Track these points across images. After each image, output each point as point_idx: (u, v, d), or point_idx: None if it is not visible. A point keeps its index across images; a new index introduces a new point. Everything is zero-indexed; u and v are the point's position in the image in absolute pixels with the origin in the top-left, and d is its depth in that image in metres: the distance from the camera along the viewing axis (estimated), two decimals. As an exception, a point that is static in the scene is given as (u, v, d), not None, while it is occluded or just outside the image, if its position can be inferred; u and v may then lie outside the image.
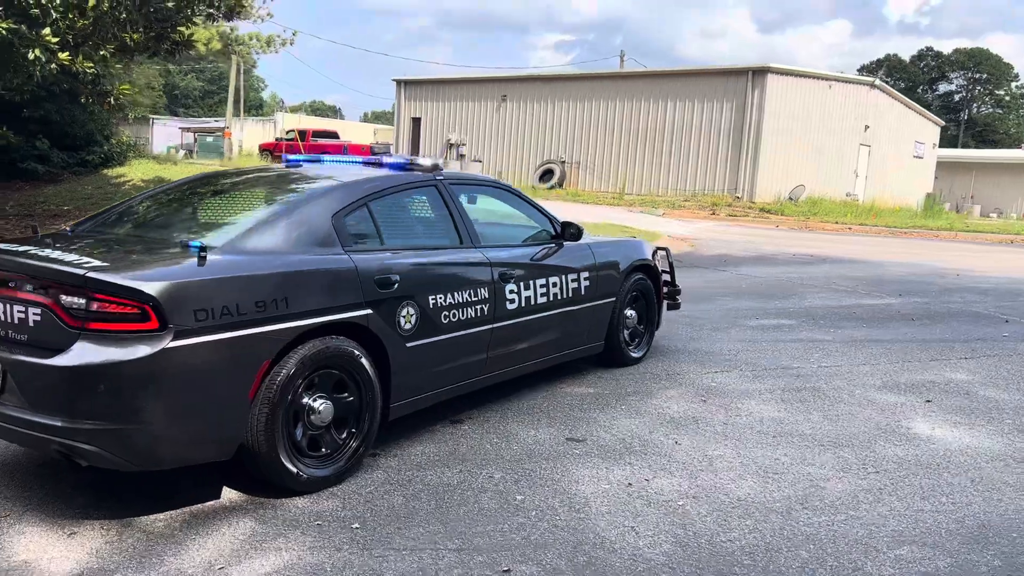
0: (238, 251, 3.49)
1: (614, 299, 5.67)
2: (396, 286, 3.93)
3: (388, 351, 3.92)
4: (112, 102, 13.52)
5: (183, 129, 48.93)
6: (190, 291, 3.15)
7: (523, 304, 4.80)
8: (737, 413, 4.92)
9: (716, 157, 25.54)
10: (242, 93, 66.84)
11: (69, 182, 18.99)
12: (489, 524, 3.38)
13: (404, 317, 3.98)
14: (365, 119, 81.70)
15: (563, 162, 28.53)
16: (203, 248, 3.30)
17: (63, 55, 10.55)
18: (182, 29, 14.90)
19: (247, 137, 46.34)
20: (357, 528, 3.31)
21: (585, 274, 5.35)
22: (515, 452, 4.19)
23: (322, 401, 3.65)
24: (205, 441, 3.31)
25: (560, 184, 27.95)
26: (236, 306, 3.26)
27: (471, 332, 4.43)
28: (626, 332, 5.93)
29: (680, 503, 3.64)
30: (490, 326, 4.56)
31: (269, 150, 36.46)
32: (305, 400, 3.60)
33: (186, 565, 2.96)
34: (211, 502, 3.51)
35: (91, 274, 3.07)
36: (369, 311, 3.79)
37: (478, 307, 4.45)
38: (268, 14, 26.86)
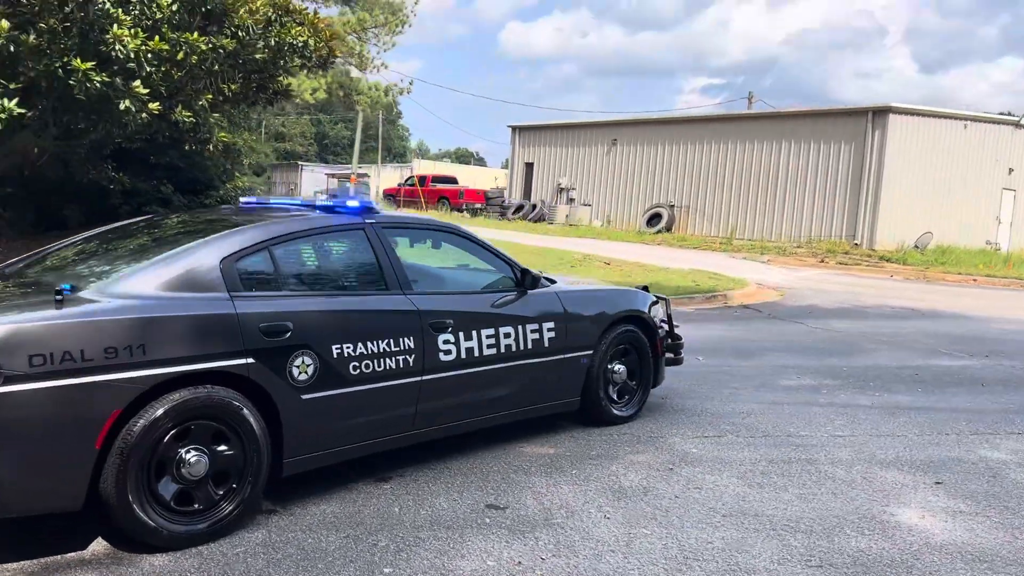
0: (106, 295, 3.41)
1: (591, 352, 5.26)
2: (289, 334, 3.74)
3: (277, 404, 3.72)
4: (212, 149, 14.19)
5: (328, 175, 51.72)
6: (26, 336, 3.08)
7: (464, 356, 4.50)
8: (699, 486, 4.39)
9: (833, 202, 24.17)
10: (380, 141, 70.04)
11: (186, 224, 20.16)
12: (333, 599, 3.09)
13: (298, 367, 3.77)
14: (505, 166, 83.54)
15: (672, 206, 27.84)
16: (59, 292, 3.25)
17: (153, 105, 11.18)
18: (280, 79, 15.62)
19: (384, 182, 48.36)
20: (193, 593, 3.10)
21: (549, 324, 4.99)
22: (420, 518, 3.87)
23: (196, 453, 3.49)
24: (46, 490, 3.21)
25: (668, 228, 27.26)
26: (81, 352, 3.16)
27: (392, 384, 4.17)
28: (612, 388, 5.50)
29: (561, 589, 3.22)
30: (418, 378, 4.29)
31: (392, 195, 37.73)
32: (178, 451, 3.45)
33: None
34: (73, 553, 3.40)
35: (-71, 316, 3.06)
36: (251, 360, 3.61)
37: (400, 358, 4.19)
38: (383, 64, 27.95)
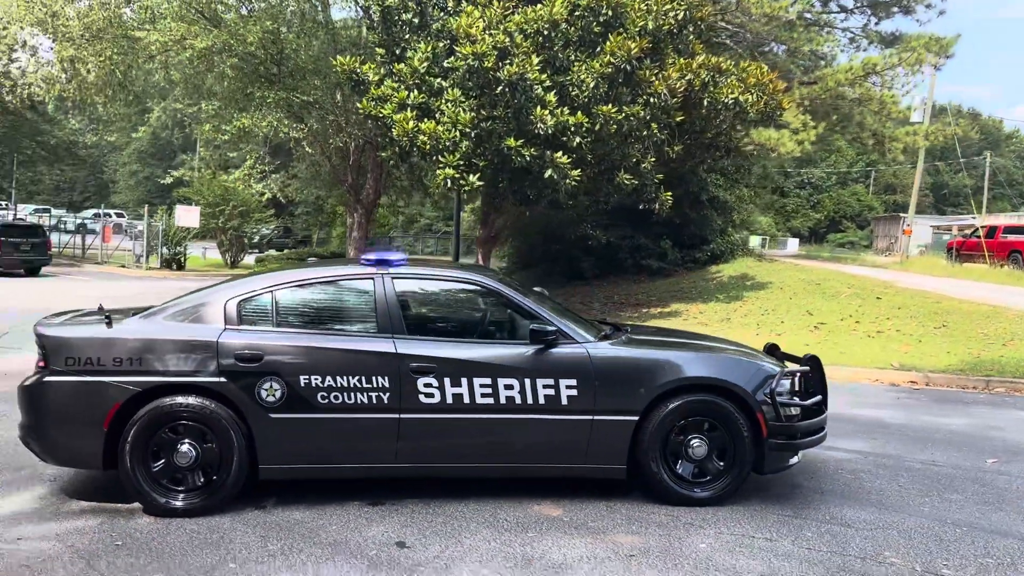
0: (139, 320, 4.77)
1: (635, 418, 4.80)
2: (260, 362, 4.60)
3: (247, 417, 4.61)
4: (659, 207, 15.24)
5: (933, 227, 48.66)
6: (67, 343, 4.60)
7: (450, 401, 4.71)
8: (619, 579, 3.81)
9: None
10: (987, 188, 62.76)
11: (676, 276, 21.55)
12: None
13: (266, 390, 4.59)
14: None
15: None
16: (108, 316, 4.72)
17: (575, 172, 12.90)
18: (726, 136, 16.07)
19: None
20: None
21: (569, 381, 4.77)
22: (327, 538, 4.26)
23: (188, 446, 4.60)
24: (80, 452, 4.62)
25: None
26: (97, 359, 4.55)
27: (364, 417, 4.67)
28: (683, 464, 4.88)
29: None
30: (395, 415, 4.68)
31: (956, 247, 33.57)
32: (176, 442, 4.60)
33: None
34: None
35: (36, 327, 4.79)
36: (223, 379, 4.58)
37: (373, 394, 4.66)
38: (908, 107, 25.34)
